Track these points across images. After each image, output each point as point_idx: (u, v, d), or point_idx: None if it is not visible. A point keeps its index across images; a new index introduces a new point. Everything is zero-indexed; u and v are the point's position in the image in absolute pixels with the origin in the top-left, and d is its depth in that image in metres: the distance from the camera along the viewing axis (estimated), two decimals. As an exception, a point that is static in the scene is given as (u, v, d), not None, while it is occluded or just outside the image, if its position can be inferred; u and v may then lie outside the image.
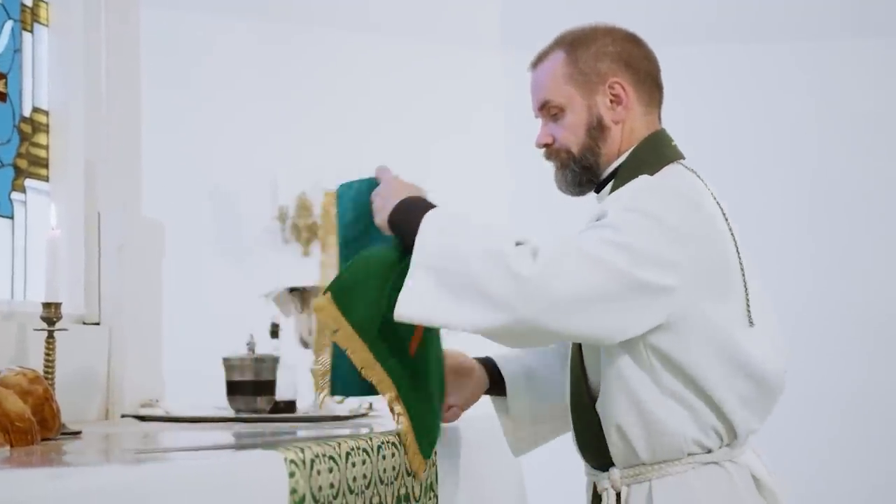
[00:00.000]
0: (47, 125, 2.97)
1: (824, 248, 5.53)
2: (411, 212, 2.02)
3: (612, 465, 2.12)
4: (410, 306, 1.93)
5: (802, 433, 5.25)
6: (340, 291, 2.00)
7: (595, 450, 2.14)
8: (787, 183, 5.56)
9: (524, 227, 5.23)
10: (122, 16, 3.13)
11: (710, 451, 2.08)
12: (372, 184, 2.14)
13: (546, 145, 2.22)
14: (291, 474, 1.56)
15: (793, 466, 5.17)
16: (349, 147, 5.41)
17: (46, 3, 3.01)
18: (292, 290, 2.86)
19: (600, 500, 2.15)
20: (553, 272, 1.90)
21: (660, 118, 2.24)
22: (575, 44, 2.20)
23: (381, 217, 2.07)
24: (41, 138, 2.95)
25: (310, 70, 5.40)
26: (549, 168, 2.24)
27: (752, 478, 2.11)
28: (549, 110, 2.21)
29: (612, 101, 2.17)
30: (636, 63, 2.18)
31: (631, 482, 2.10)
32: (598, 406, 2.10)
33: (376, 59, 5.54)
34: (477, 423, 2.46)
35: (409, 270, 1.95)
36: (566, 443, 2.30)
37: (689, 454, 2.07)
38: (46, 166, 2.96)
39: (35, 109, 2.94)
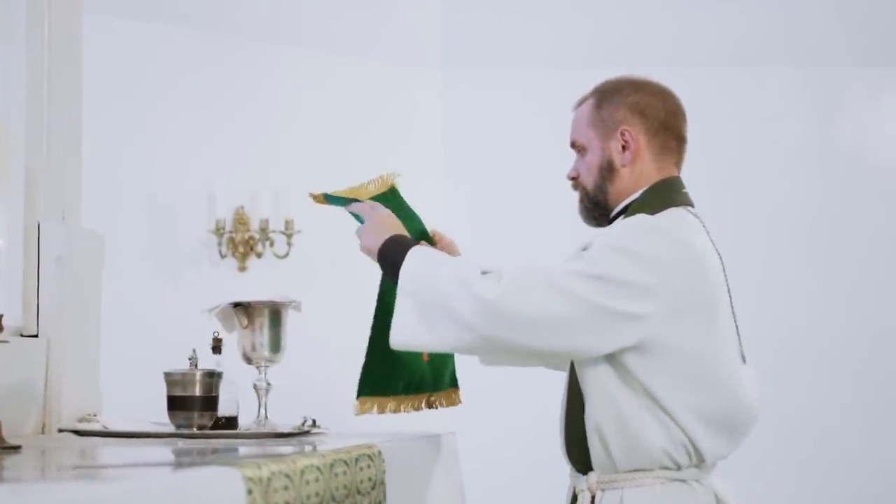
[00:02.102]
0: (-13, 133, 2.92)
1: (762, 274, 5.60)
2: (398, 247, 2.35)
3: (592, 469, 2.33)
4: (400, 335, 2.30)
5: (779, 462, 5.33)
6: (365, 387, 2.51)
7: (579, 452, 2.35)
8: (727, 207, 5.63)
9: (458, 235, 5.30)
10: (65, 23, 3.08)
11: (679, 469, 2.29)
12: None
13: (573, 178, 2.50)
14: (249, 491, 1.54)
15: (769, 493, 5.28)
16: (287, 161, 5.39)
17: (-12, 8, 2.96)
18: (236, 305, 2.82)
19: (576, 501, 2.37)
20: (512, 295, 2.20)
21: (678, 166, 2.48)
22: (604, 92, 2.48)
23: (371, 247, 2.41)
24: (-19, 146, 2.90)
25: (250, 84, 5.37)
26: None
27: (715, 498, 2.33)
28: (576, 148, 2.49)
29: (623, 147, 2.42)
30: (652, 114, 2.43)
31: (606, 487, 2.31)
32: (586, 410, 2.31)
33: (316, 74, 5.53)
34: (423, 444, 2.47)
35: (396, 299, 2.30)
36: (552, 448, 2.51)
37: (661, 467, 2.27)
38: (-15, 174, 2.90)
39: (-25, 116, 2.89)
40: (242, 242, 5.23)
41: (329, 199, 2.59)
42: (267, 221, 5.24)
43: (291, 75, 5.49)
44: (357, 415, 2.48)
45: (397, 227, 2.43)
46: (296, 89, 5.48)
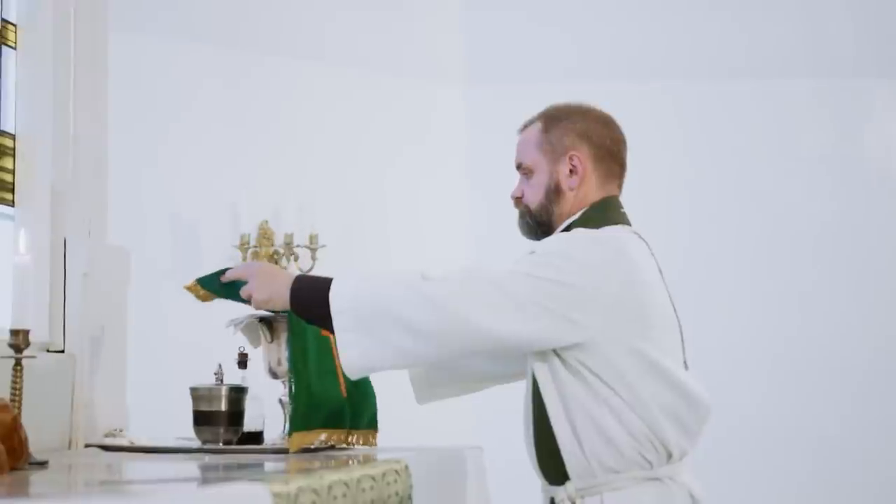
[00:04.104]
0: (13, 149, 2.93)
1: (781, 285, 5.57)
2: (314, 282, 2.38)
3: (568, 479, 2.36)
4: (351, 362, 2.29)
5: (781, 466, 5.30)
6: (294, 425, 2.50)
7: (553, 463, 2.39)
8: (747, 219, 5.60)
9: (483, 253, 5.29)
10: (90, 40, 3.10)
11: (652, 467, 2.34)
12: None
13: (517, 198, 2.59)
14: (277, 507, 1.54)
15: (772, 495, 5.24)
16: (311, 176, 5.39)
17: (15, 25, 2.98)
18: (261, 319, 2.82)
19: None
20: (460, 295, 2.27)
21: (619, 189, 2.57)
22: (551, 117, 2.56)
23: (272, 296, 2.38)
24: (7, 162, 2.91)
25: (274, 98, 5.38)
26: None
27: (690, 495, 2.39)
28: (522, 170, 2.58)
29: (570, 171, 2.51)
30: (598, 141, 2.53)
31: (585, 494, 2.35)
32: (552, 418, 2.35)
33: (339, 88, 5.53)
34: (450, 459, 2.46)
35: (335, 332, 2.29)
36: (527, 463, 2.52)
37: (635, 465, 2.33)
38: (12, 191, 2.92)
39: (1, 133, 2.90)
40: (267, 257, 5.23)
41: (201, 281, 2.58)
42: (292, 236, 5.24)
43: (315, 90, 5.50)
44: (292, 451, 2.49)
45: (283, 272, 2.45)
46: (319, 104, 5.49)
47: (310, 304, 2.35)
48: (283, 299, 2.38)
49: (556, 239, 2.45)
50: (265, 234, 5.24)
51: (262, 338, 2.83)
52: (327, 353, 2.64)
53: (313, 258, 5.25)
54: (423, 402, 2.75)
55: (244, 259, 5.19)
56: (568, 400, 2.34)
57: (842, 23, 5.54)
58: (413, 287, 2.29)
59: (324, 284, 2.33)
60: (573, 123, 2.54)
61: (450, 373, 2.71)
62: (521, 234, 2.61)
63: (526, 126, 2.61)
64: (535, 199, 2.54)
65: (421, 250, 5.55)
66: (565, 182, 2.51)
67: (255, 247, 5.22)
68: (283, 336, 2.78)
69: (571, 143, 2.52)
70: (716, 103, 5.67)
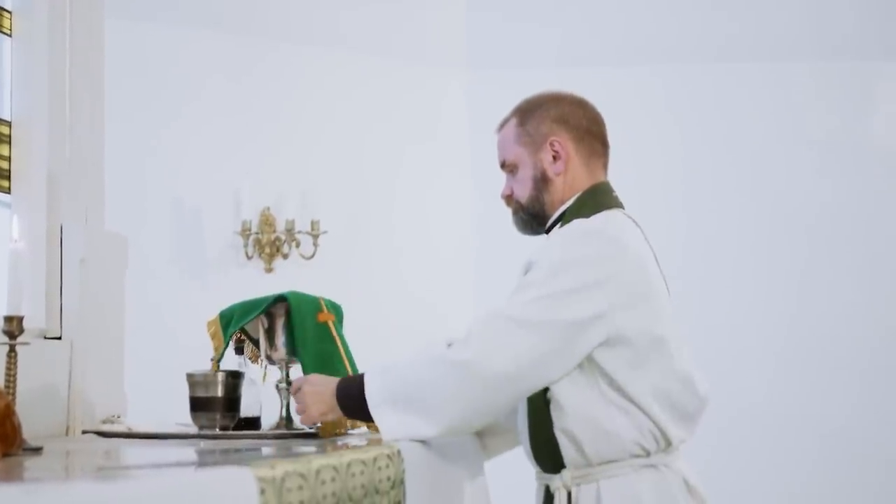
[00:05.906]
0: (9, 136, 2.93)
1: (784, 271, 5.55)
2: (351, 386, 2.36)
3: (564, 467, 2.38)
4: (394, 436, 2.26)
5: (788, 458, 5.30)
6: None
7: (548, 453, 2.39)
8: (749, 205, 5.58)
9: (486, 240, 5.29)
10: (86, 26, 3.10)
11: (648, 455, 2.34)
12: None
13: (507, 196, 2.60)
14: (262, 491, 1.53)
15: (777, 488, 5.24)
16: (314, 162, 5.39)
17: (10, 12, 2.97)
18: (258, 305, 2.82)
19: (552, 500, 2.40)
20: (488, 349, 2.24)
21: (605, 169, 2.58)
22: (525, 110, 2.58)
23: (332, 412, 2.39)
24: (3, 149, 2.91)
25: (275, 84, 5.38)
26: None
27: (684, 482, 2.38)
28: (507, 168, 2.60)
29: (553, 157, 2.52)
30: (576, 122, 2.53)
31: (581, 482, 2.36)
32: (551, 410, 2.35)
33: (342, 74, 5.53)
34: (446, 443, 2.45)
35: (373, 415, 2.29)
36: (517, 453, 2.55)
37: (632, 455, 2.33)
38: (8, 178, 2.92)
39: (-3, 120, 2.91)
40: (269, 243, 5.24)
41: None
42: (293, 222, 5.25)
43: (317, 77, 5.49)
44: (323, 437, 2.49)
45: (328, 378, 2.44)
46: (322, 90, 5.48)
47: (354, 408, 2.36)
48: (332, 404, 2.39)
49: (551, 246, 2.40)
50: (266, 221, 5.25)
51: (260, 324, 2.83)
52: (327, 339, 2.65)
53: (315, 244, 5.25)
54: (490, 457, 2.73)
55: (245, 244, 5.19)
56: (573, 399, 2.33)
57: (845, 4, 5.51)
58: (439, 360, 2.27)
59: (358, 387, 2.33)
60: (547, 111, 2.55)
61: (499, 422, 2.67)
62: (518, 230, 2.61)
63: (502, 125, 2.62)
64: (524, 193, 2.55)
65: (424, 236, 5.55)
66: (550, 169, 2.52)
67: (257, 233, 5.22)
68: (280, 322, 2.78)
69: (549, 129, 2.53)
70: (717, 87, 5.65)
